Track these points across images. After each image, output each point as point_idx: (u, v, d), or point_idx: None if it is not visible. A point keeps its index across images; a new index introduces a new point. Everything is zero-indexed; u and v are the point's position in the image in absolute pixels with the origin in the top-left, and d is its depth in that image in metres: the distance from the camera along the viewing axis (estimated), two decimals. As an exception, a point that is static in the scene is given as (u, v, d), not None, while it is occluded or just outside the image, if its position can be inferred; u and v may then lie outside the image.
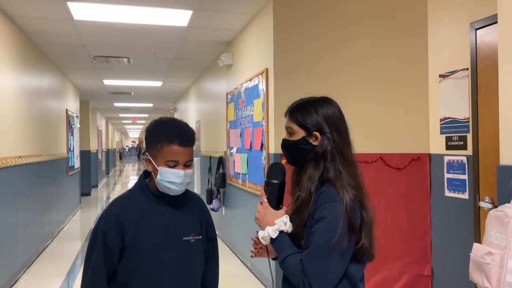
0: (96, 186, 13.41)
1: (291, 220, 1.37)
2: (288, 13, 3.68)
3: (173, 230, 1.52)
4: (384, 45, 3.77)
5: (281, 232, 1.35)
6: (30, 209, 5.17)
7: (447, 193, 3.43)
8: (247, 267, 4.87)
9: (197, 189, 7.86)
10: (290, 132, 1.42)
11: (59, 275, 4.77)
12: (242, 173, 4.68)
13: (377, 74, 3.76)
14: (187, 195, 1.61)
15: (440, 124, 3.53)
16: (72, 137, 8.42)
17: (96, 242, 1.48)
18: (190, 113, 9.56)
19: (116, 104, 13.03)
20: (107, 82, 8.51)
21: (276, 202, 1.40)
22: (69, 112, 8.05)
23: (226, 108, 5.54)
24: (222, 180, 5.72)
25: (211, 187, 6.25)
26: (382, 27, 3.77)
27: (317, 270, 1.25)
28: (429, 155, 3.71)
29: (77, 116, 9.20)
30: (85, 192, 11.23)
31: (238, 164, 4.86)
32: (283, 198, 1.43)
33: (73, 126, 8.54)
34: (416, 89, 3.76)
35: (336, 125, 1.38)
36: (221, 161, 5.82)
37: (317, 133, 1.37)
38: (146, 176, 1.58)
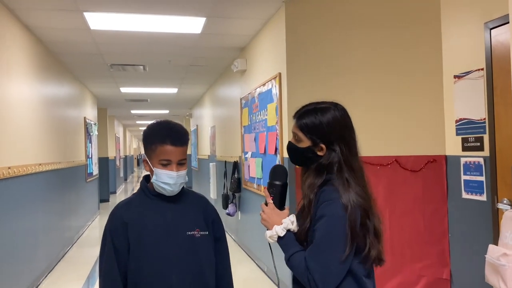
0: (115, 192, 13.59)
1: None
2: (300, 17, 3.70)
3: (176, 225, 1.56)
4: (398, 47, 3.75)
5: (288, 230, 1.39)
6: (50, 215, 5.29)
7: (465, 195, 3.38)
8: (263, 271, 4.88)
9: (213, 194, 7.90)
10: (296, 138, 1.44)
11: (79, 280, 4.85)
12: (257, 178, 4.70)
13: (390, 76, 3.74)
14: (189, 194, 1.67)
15: (456, 126, 3.49)
16: (90, 144, 8.57)
17: (105, 244, 1.55)
18: (205, 119, 9.63)
19: (133, 111, 13.21)
20: (123, 89, 8.65)
21: (279, 203, 1.45)
22: (87, 120, 8.21)
23: (240, 113, 5.58)
24: (237, 185, 5.75)
25: (227, 192, 6.28)
26: (395, 29, 3.76)
27: (320, 266, 1.28)
28: (445, 156, 3.67)
29: (95, 124, 9.37)
30: (104, 199, 11.40)
31: (253, 169, 4.88)
32: (285, 198, 1.48)
33: (91, 134, 8.70)
34: (430, 90, 3.73)
35: (343, 136, 1.40)
36: (236, 166, 5.85)
37: (323, 145, 1.39)
38: (148, 180, 1.64)
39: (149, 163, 1.57)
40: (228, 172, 6.38)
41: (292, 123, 1.49)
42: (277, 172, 1.49)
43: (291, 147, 1.46)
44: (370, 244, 1.33)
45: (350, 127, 1.43)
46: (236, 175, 5.82)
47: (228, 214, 6.03)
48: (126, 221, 1.54)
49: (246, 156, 5.25)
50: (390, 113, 3.73)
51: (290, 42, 3.70)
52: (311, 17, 3.70)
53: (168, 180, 1.53)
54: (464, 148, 3.39)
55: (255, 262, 5.25)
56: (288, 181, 1.49)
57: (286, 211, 1.44)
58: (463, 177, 3.39)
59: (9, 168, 3.73)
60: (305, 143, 1.41)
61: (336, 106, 1.44)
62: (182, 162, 1.57)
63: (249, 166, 5.10)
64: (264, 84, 4.40)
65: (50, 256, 5.22)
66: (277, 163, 3.99)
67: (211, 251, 1.64)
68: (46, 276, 4.95)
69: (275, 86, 3.99)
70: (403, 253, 3.68)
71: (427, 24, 3.75)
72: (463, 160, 3.39)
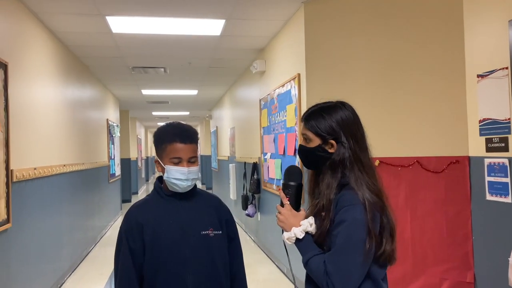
0: (136, 193, 13.79)
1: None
2: (319, 17, 3.69)
3: (189, 225, 1.59)
4: (419, 46, 3.70)
5: (306, 233, 1.38)
6: (74, 215, 5.41)
7: (489, 197, 3.31)
8: (283, 272, 4.87)
9: (232, 195, 7.94)
10: (306, 138, 1.44)
11: (101, 278, 4.95)
12: (277, 179, 4.70)
13: (412, 76, 3.69)
14: (202, 194, 1.70)
15: (479, 126, 3.42)
16: (113, 145, 8.73)
17: (121, 245, 1.58)
18: (224, 120, 9.69)
19: (154, 113, 13.39)
20: (145, 92, 8.78)
21: (295, 204, 1.44)
22: (109, 122, 8.36)
23: (260, 114, 5.59)
24: (256, 186, 5.76)
25: (246, 193, 6.30)
26: (416, 28, 3.70)
27: (340, 272, 1.27)
28: (468, 157, 3.59)
29: (117, 126, 9.53)
30: (126, 199, 11.59)
31: (272, 170, 4.88)
32: (301, 199, 1.47)
33: (113, 135, 8.86)
34: (453, 90, 3.66)
35: (352, 131, 1.39)
36: (255, 167, 5.86)
37: (333, 141, 1.38)
38: (161, 181, 1.67)
39: (161, 163, 1.60)
40: (247, 173, 6.40)
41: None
42: (291, 173, 1.48)
43: (302, 149, 1.46)
44: (385, 243, 1.32)
45: (358, 123, 1.42)
46: (255, 176, 5.83)
47: (248, 215, 6.05)
48: (142, 222, 1.57)
49: (266, 157, 5.26)
50: (411, 113, 3.68)
51: (309, 43, 3.69)
52: (330, 17, 3.69)
53: (179, 176, 1.56)
54: (488, 149, 3.31)
55: (274, 263, 5.24)
56: (303, 182, 1.48)
57: (302, 212, 1.43)
58: (487, 179, 3.31)
59: (35, 169, 3.83)
60: (315, 142, 1.41)
61: (342, 103, 1.45)
62: (193, 160, 1.60)
63: (268, 167, 5.10)
64: (283, 85, 4.40)
65: (73, 255, 5.34)
66: (296, 164, 3.98)
67: (225, 250, 1.65)
68: (70, 275, 5.06)
69: (294, 87, 3.98)
70: (425, 255, 3.62)
71: (450, 22, 3.69)
72: (487, 161, 3.31)
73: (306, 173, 1.52)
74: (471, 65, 3.57)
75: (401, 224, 3.60)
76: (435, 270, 3.62)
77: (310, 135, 1.42)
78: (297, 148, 3.94)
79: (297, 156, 3.94)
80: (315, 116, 1.43)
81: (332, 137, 1.38)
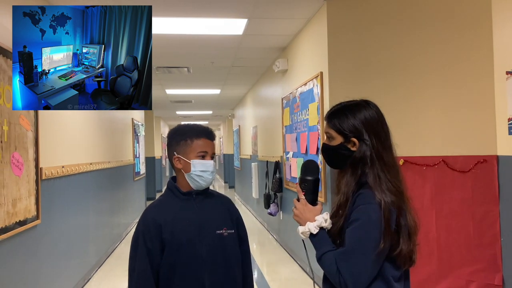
0: (161, 190, 13.99)
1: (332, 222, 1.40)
2: (342, 16, 3.66)
3: (205, 224, 1.62)
4: (445, 43, 3.62)
5: (321, 228, 1.38)
6: (100, 212, 5.54)
7: (518, 197, 3.21)
8: (305, 272, 4.86)
9: (255, 194, 7.96)
10: (329, 137, 1.44)
11: (127, 275, 5.03)
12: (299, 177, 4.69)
13: (438, 73, 3.62)
14: (214, 194, 1.74)
15: (509, 124, 3.32)
16: (137, 144, 8.88)
17: (138, 245, 1.59)
18: (247, 119, 9.71)
19: (178, 112, 13.55)
20: (169, 91, 8.90)
21: (312, 198, 1.44)
22: (134, 121, 8.51)
23: (282, 113, 5.59)
24: (279, 185, 5.76)
25: (269, 192, 6.31)
26: (443, 24, 3.62)
27: (351, 270, 1.27)
28: (497, 157, 3.49)
29: (142, 125, 9.69)
30: (150, 197, 11.77)
31: (294, 169, 4.87)
32: (317, 194, 1.47)
33: (138, 134, 9.01)
34: (481, 87, 3.56)
35: (375, 130, 1.38)
36: (277, 166, 5.86)
37: (355, 139, 1.38)
38: (175, 181, 1.71)
39: (183, 158, 1.64)
40: (269, 172, 6.40)
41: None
42: (308, 168, 1.48)
43: (325, 147, 1.46)
44: (402, 243, 1.30)
45: (381, 121, 1.41)
46: (277, 175, 5.83)
47: (270, 214, 6.05)
48: (160, 222, 1.60)
49: (288, 156, 5.25)
50: (437, 111, 3.61)
51: (331, 41, 3.66)
52: (353, 15, 3.65)
53: (206, 168, 1.62)
54: (518, 148, 3.22)
55: (297, 262, 5.23)
56: (319, 177, 1.48)
57: (318, 207, 1.43)
58: (517, 178, 3.22)
59: (62, 167, 3.94)
60: (337, 140, 1.41)
61: (366, 102, 1.44)
62: (213, 157, 1.68)
63: (290, 166, 5.09)
64: (305, 84, 4.38)
65: (100, 252, 5.47)
66: (319, 163, 3.96)
67: (238, 249, 1.69)
68: (96, 271, 5.18)
69: (317, 86, 3.96)
70: (451, 256, 3.54)
71: (478, 16, 3.59)
72: (516, 160, 3.21)
73: (331, 172, 1.53)
74: (500, 62, 3.47)
75: (426, 224, 3.54)
76: (462, 272, 3.54)
77: (333, 133, 1.42)
78: (319, 147, 3.92)
79: (320, 155, 3.93)
80: (338, 114, 1.43)
81: (354, 135, 1.38)
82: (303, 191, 1.46)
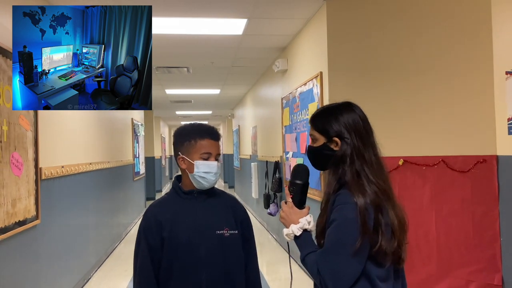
0: (160, 191, 13.99)
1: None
2: (342, 16, 3.66)
3: (205, 224, 1.62)
4: (445, 43, 3.62)
5: (305, 230, 1.41)
6: (99, 212, 5.53)
7: (518, 198, 3.21)
8: (305, 272, 4.86)
9: (254, 194, 7.96)
10: (313, 139, 1.47)
11: (126, 275, 5.05)
12: (299, 178, 4.69)
13: (438, 74, 3.62)
14: (219, 194, 1.73)
15: (508, 124, 3.32)
16: (137, 144, 8.88)
17: (140, 241, 1.63)
18: (247, 119, 9.72)
19: (177, 112, 13.55)
20: (168, 91, 8.90)
21: (299, 202, 1.47)
22: (134, 121, 8.51)
23: (282, 113, 5.59)
24: (278, 185, 5.76)
25: (268, 192, 6.31)
26: (443, 24, 3.62)
27: (330, 270, 1.29)
28: (496, 157, 3.50)
29: (141, 125, 9.69)
30: (150, 197, 11.77)
31: (294, 169, 4.87)
32: (306, 197, 1.49)
33: (138, 134, 9.01)
34: (480, 87, 3.57)
35: (356, 129, 1.40)
36: (277, 166, 5.86)
37: (337, 139, 1.40)
38: (179, 180, 1.71)
39: (187, 158, 1.63)
40: (269, 172, 6.40)
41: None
42: (298, 171, 1.51)
43: (309, 150, 1.49)
44: (382, 240, 1.30)
45: (363, 120, 1.43)
46: (277, 175, 5.83)
47: (270, 213, 6.05)
48: (160, 220, 1.61)
49: (287, 156, 5.25)
50: (437, 111, 3.61)
51: (331, 41, 3.66)
52: (353, 15, 3.65)
53: (209, 169, 1.61)
54: (517, 148, 3.22)
55: (297, 263, 5.23)
56: (309, 181, 1.51)
57: (305, 210, 1.46)
58: (516, 179, 3.22)
59: (62, 167, 3.94)
60: (321, 141, 1.44)
61: (348, 103, 1.47)
62: (218, 158, 1.66)
63: (290, 166, 5.09)
64: (305, 84, 4.38)
65: (99, 252, 5.47)
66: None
67: (240, 250, 1.67)
68: (96, 271, 5.18)
69: (316, 85, 3.96)
70: (451, 257, 3.54)
71: (477, 17, 3.59)
72: (516, 160, 3.22)
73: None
74: (499, 62, 3.47)
75: (426, 224, 3.54)
76: (461, 272, 3.54)
77: (316, 135, 1.45)
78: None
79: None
80: (320, 116, 1.47)
81: (336, 135, 1.41)
82: (291, 194, 1.49)
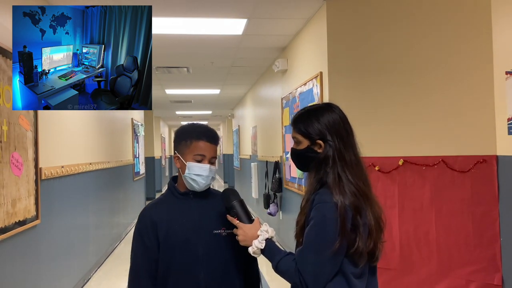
0: (160, 190, 13.99)
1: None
2: (342, 16, 3.66)
3: (202, 224, 1.62)
4: (445, 42, 3.62)
5: (267, 239, 1.44)
6: (99, 212, 5.54)
7: (518, 197, 3.21)
8: (305, 271, 4.86)
9: (254, 194, 7.96)
10: (296, 141, 1.49)
11: (126, 275, 5.03)
12: (298, 178, 4.69)
13: (438, 73, 3.62)
14: (216, 194, 1.72)
15: (508, 124, 3.32)
16: (137, 144, 8.88)
17: (136, 242, 1.63)
18: (247, 119, 9.72)
19: (177, 112, 13.55)
20: (168, 91, 8.90)
21: (246, 217, 1.52)
22: (134, 121, 8.51)
23: (281, 113, 5.59)
24: (278, 185, 5.76)
25: (268, 192, 6.31)
26: (442, 23, 3.62)
27: (310, 267, 1.32)
28: (496, 157, 3.49)
29: (141, 125, 9.69)
30: (150, 197, 11.77)
31: (294, 169, 4.87)
32: (249, 212, 1.54)
33: (138, 134, 9.02)
34: (480, 87, 3.56)
35: (337, 130, 1.42)
36: (277, 166, 5.86)
37: (320, 142, 1.42)
38: (175, 181, 1.71)
39: (181, 158, 1.63)
40: (269, 172, 6.40)
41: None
42: (227, 196, 1.57)
43: (293, 152, 1.51)
44: (359, 241, 1.33)
45: (344, 121, 1.45)
46: (277, 175, 5.83)
47: (270, 213, 6.06)
48: (156, 220, 1.61)
49: (287, 156, 5.25)
50: (436, 111, 3.61)
51: (331, 41, 3.67)
52: (353, 15, 3.65)
53: (201, 172, 1.59)
54: (517, 148, 3.22)
55: (296, 262, 5.24)
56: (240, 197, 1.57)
57: (256, 222, 1.50)
58: (516, 179, 3.22)
59: (62, 167, 3.94)
60: (304, 143, 1.45)
61: (328, 105, 1.49)
62: (213, 161, 1.64)
63: (290, 166, 5.10)
64: (305, 84, 4.38)
65: (99, 252, 5.47)
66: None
67: (238, 249, 1.65)
68: (96, 271, 5.18)
69: (316, 86, 3.96)
70: (451, 257, 3.54)
71: (477, 16, 3.59)
72: (516, 160, 3.22)
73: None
74: (499, 62, 3.47)
75: (426, 224, 3.54)
76: (461, 272, 3.54)
77: (299, 137, 1.47)
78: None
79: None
80: (302, 119, 1.48)
81: (319, 137, 1.42)
82: (235, 218, 1.52)
